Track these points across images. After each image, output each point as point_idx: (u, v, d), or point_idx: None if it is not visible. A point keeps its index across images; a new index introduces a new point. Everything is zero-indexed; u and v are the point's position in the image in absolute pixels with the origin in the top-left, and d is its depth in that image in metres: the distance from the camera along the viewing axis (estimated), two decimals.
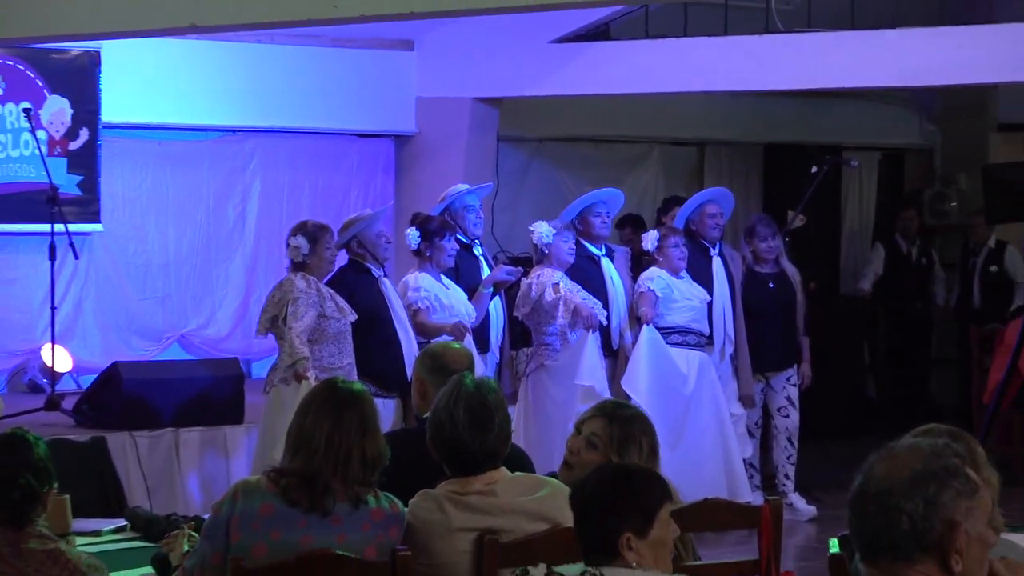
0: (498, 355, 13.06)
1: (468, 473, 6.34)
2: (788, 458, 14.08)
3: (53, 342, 13.47)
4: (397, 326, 11.96)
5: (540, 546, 5.84)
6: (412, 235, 12.65)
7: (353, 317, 11.57)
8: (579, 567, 5.16)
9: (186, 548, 6.55)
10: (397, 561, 5.92)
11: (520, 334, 13.30)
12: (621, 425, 6.57)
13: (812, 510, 13.80)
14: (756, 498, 11.66)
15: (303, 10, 10.00)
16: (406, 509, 6.26)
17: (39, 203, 13.29)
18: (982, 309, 17.44)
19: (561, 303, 12.74)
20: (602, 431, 6.51)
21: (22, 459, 5.86)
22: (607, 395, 12.31)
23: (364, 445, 6.04)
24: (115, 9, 10.61)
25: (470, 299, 12.61)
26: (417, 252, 12.61)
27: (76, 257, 13.53)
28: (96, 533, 7.41)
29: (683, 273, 13.33)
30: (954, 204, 18.78)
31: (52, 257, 12.97)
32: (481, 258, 13.19)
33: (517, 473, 6.55)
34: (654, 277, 13.28)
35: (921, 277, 18.61)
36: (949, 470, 4.01)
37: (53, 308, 13.24)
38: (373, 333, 11.80)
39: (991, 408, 12.09)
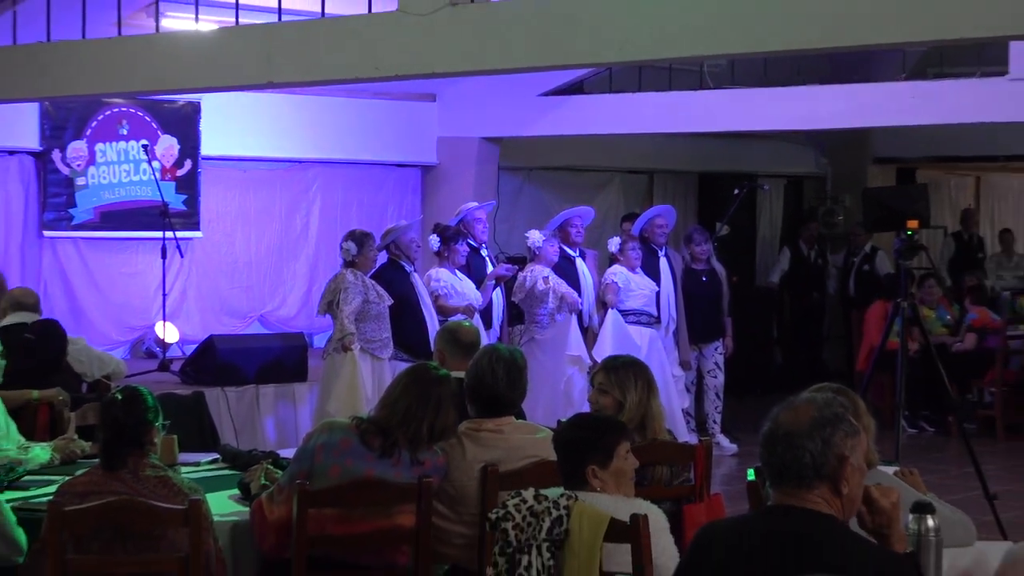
0: (498, 331, 13.05)
1: (491, 415, 6.39)
2: (715, 408, 14.11)
3: (164, 320, 13.49)
4: (423, 308, 11.99)
5: (530, 475, 5.81)
6: (434, 240, 12.72)
7: (390, 302, 11.60)
8: (559, 491, 5.16)
9: (263, 481, 6.54)
10: (422, 486, 5.91)
11: (515, 314, 13.29)
12: (616, 371, 6.67)
13: (734, 447, 13.82)
14: (692, 438, 11.59)
15: (352, 70, 9.97)
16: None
17: (154, 216, 13.26)
18: (858, 297, 17.43)
19: (551, 292, 12.80)
20: (604, 379, 6.64)
21: (138, 406, 5.85)
22: (588, 362, 12.45)
23: (435, 419, 6.06)
24: (210, 70, 10.57)
25: (478, 288, 12.64)
26: (438, 253, 12.65)
27: (181, 256, 13.53)
28: (196, 464, 7.38)
29: (638, 269, 13.35)
30: (841, 218, 18.74)
31: (163, 256, 12.98)
32: (486, 258, 13.18)
33: (521, 420, 6.58)
34: (616, 272, 13.32)
35: (816, 273, 18.57)
36: (838, 417, 4.04)
37: (164, 295, 13.27)
38: (405, 314, 11.81)
39: (867, 372, 12.10)
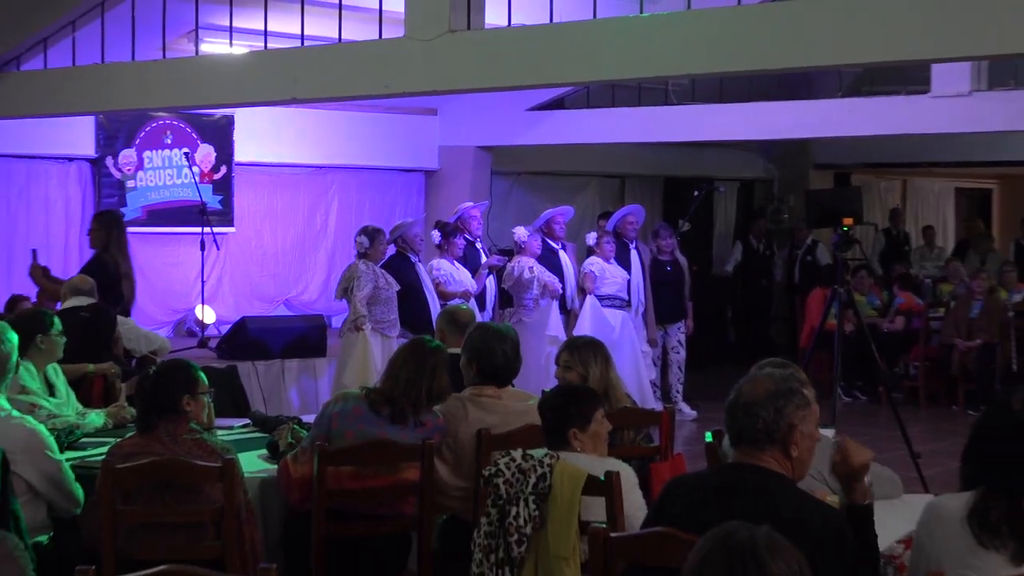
0: (491, 313, 13.06)
1: (492, 383, 6.42)
2: (678, 379, 14.11)
3: (203, 303, 13.48)
4: (426, 294, 12.01)
5: (519, 437, 5.81)
6: (435, 235, 12.81)
7: (397, 288, 11.62)
8: (543, 451, 5.16)
9: (289, 439, 6.54)
10: (425, 446, 5.90)
11: (505, 299, 13.29)
12: (579, 350, 6.66)
13: (694, 413, 13.80)
14: (657, 405, 11.58)
15: (365, 88, 9.95)
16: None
17: (193, 213, 13.24)
18: (801, 284, 17.43)
19: (536, 280, 12.82)
20: (568, 357, 6.62)
21: (183, 377, 5.84)
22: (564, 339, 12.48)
23: (431, 384, 6.11)
24: (242, 88, 10.54)
25: (473, 276, 12.66)
26: (439, 246, 12.69)
27: (217, 248, 13.50)
28: (229, 428, 7.39)
29: (612, 260, 13.35)
30: (786, 216, 18.74)
31: (202, 248, 12.95)
32: (480, 250, 13.18)
33: (516, 389, 6.59)
34: (594, 263, 13.33)
35: (764, 264, 18.56)
36: (792, 391, 4.07)
37: (203, 281, 13.25)
38: (410, 298, 11.81)
39: (809, 348, 12.11)
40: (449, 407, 6.33)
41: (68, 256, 13.34)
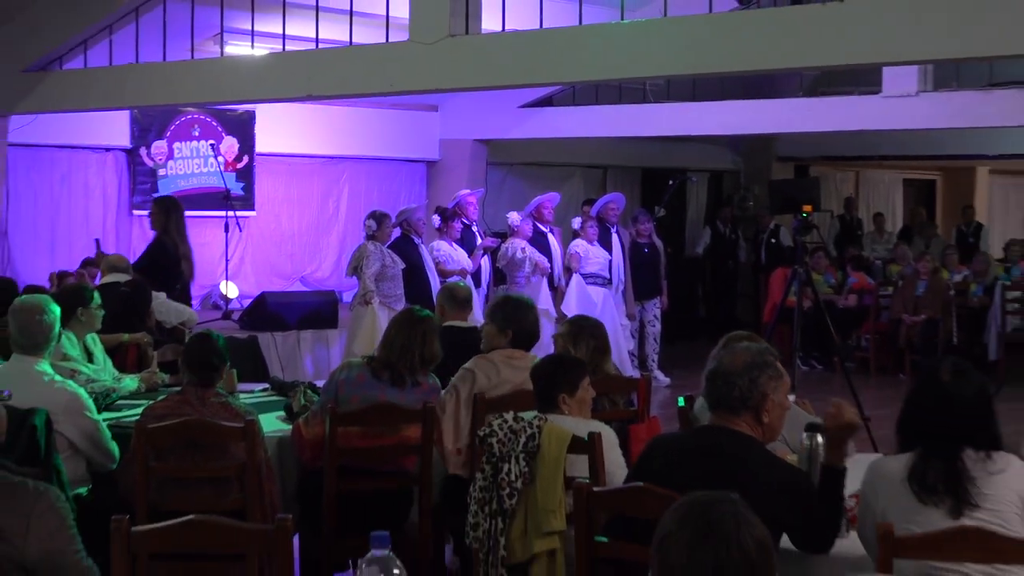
0: (486, 289, 13.08)
1: (522, 347, 6.46)
2: (654, 350, 14.12)
3: (227, 279, 13.47)
4: (428, 271, 12.02)
5: (511, 402, 5.79)
6: (436, 219, 12.83)
7: (402, 266, 11.63)
8: (532, 413, 5.16)
9: (302, 401, 6.54)
10: (426, 409, 5.89)
11: (498, 277, 13.30)
12: (575, 329, 6.58)
13: (667, 380, 13.80)
14: (635, 373, 11.61)
15: (373, 86, 9.94)
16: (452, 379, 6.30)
17: (218, 199, 13.21)
18: (764, 265, 17.43)
19: (527, 259, 12.82)
20: (565, 332, 6.54)
21: (210, 347, 5.83)
22: (555, 314, 12.50)
23: (423, 349, 6.08)
24: (262, 85, 10.51)
25: (470, 256, 12.66)
26: (439, 229, 12.71)
27: (240, 230, 13.49)
28: (251, 392, 7.37)
29: (595, 243, 13.36)
30: (751, 203, 18.70)
31: (226, 230, 12.94)
32: (476, 233, 13.16)
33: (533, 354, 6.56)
34: (579, 245, 13.34)
35: (731, 246, 18.56)
36: (766, 363, 4.08)
37: (227, 260, 13.22)
38: (414, 275, 11.82)
39: (771, 322, 12.12)
40: (483, 366, 6.30)
41: (106, 237, 13.31)
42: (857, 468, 4.28)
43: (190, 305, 10.66)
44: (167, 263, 10.10)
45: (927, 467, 3.92)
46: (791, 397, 4.48)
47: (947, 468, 3.89)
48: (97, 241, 11.90)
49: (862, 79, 14.13)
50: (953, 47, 7.49)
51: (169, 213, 10.41)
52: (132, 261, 10.38)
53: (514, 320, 6.47)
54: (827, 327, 11.38)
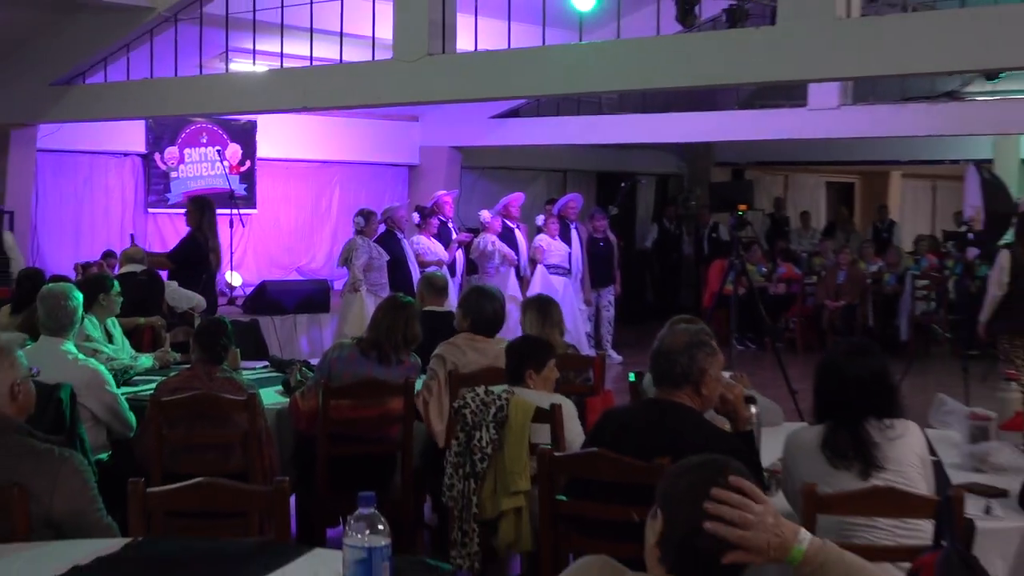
0: (460, 278, 13.08)
1: (483, 334, 6.36)
2: (608, 332, 14.14)
3: (231, 269, 13.41)
4: (409, 262, 12.02)
5: (482, 377, 5.79)
6: (416, 216, 12.85)
7: (387, 258, 11.65)
8: (502, 387, 5.16)
9: (299, 377, 6.52)
10: (407, 383, 5.89)
11: (471, 267, 13.30)
12: (540, 306, 6.61)
13: (620, 358, 13.82)
14: (592, 352, 11.61)
15: (362, 99, 9.93)
16: (432, 356, 6.28)
17: (224, 198, 13.10)
18: (706, 257, 17.47)
19: (496, 252, 12.84)
20: (529, 310, 6.59)
21: (219, 329, 5.83)
22: (521, 300, 12.49)
23: (406, 331, 6.05)
24: (263, 98, 10.48)
25: (446, 249, 12.66)
26: (418, 225, 12.72)
27: (243, 226, 13.45)
28: (252, 369, 7.35)
29: (556, 237, 13.37)
30: (694, 203, 18.66)
31: (231, 226, 12.88)
32: (452, 228, 13.16)
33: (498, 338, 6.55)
34: (542, 239, 13.34)
35: (676, 241, 18.61)
36: (703, 342, 4.08)
37: (231, 252, 13.16)
38: (397, 266, 11.82)
39: (710, 307, 12.16)
40: (449, 351, 6.26)
41: (124, 232, 13.28)
42: (786, 435, 4.30)
43: (216, 291, 10.68)
44: (196, 256, 10.11)
45: (836, 436, 3.95)
46: (727, 373, 4.50)
47: (853, 436, 3.93)
48: (132, 236, 12.04)
49: (790, 94, 14.17)
50: (869, 66, 7.53)
51: (203, 212, 10.38)
52: (156, 252, 10.47)
53: (474, 309, 6.45)
54: (759, 311, 11.42)
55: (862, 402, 3.97)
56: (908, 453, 3.95)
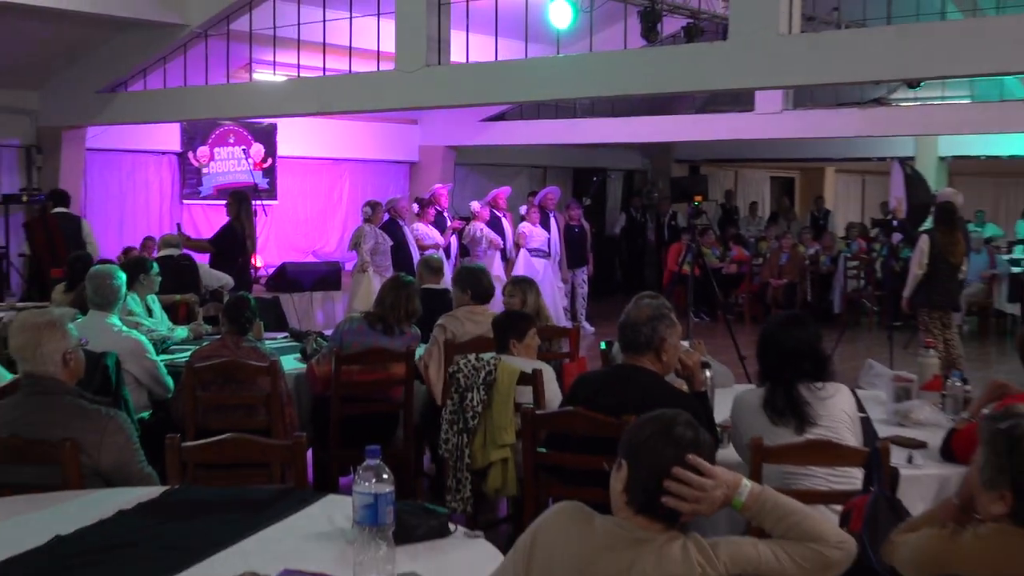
0: (454, 260, 13.04)
1: (479, 303, 6.35)
2: (582, 307, 14.10)
3: (256, 253, 13.37)
4: (410, 247, 11.97)
5: (474, 345, 5.78)
6: (415, 207, 12.79)
7: (391, 243, 11.62)
8: (490, 354, 5.15)
9: (314, 346, 6.50)
10: (409, 352, 5.88)
11: (463, 251, 13.28)
12: (519, 284, 6.61)
13: (592, 329, 13.79)
14: (568, 324, 11.61)
15: (368, 104, 9.90)
16: (432, 332, 6.23)
17: (249, 191, 12.99)
18: (667, 241, 17.46)
19: (485, 238, 12.80)
20: (513, 289, 6.53)
21: (245, 304, 5.80)
22: (505, 280, 12.47)
23: (408, 306, 6.01)
24: (282, 104, 10.45)
25: (441, 235, 12.62)
26: (417, 214, 12.65)
27: (266, 215, 13.38)
28: (274, 339, 7.32)
29: (537, 224, 13.33)
30: (656, 195, 18.65)
31: (255, 215, 12.74)
32: (447, 217, 13.11)
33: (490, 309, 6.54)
34: (525, 226, 13.29)
35: (641, 227, 18.61)
36: (663, 315, 4.08)
37: (256, 238, 13.10)
38: (399, 250, 11.78)
39: (670, 285, 12.17)
40: (450, 321, 6.23)
41: (161, 221, 13.28)
42: (735, 395, 4.30)
43: (250, 272, 10.63)
44: (233, 242, 10.09)
45: (775, 397, 3.95)
46: (685, 342, 4.50)
47: (789, 397, 3.93)
48: (179, 225, 12.06)
49: (739, 100, 14.16)
50: (808, 76, 7.53)
51: (241, 204, 10.35)
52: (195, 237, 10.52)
53: (472, 283, 6.45)
54: (712, 288, 11.43)
55: (795, 368, 3.96)
56: (838, 411, 3.95)
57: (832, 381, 4.02)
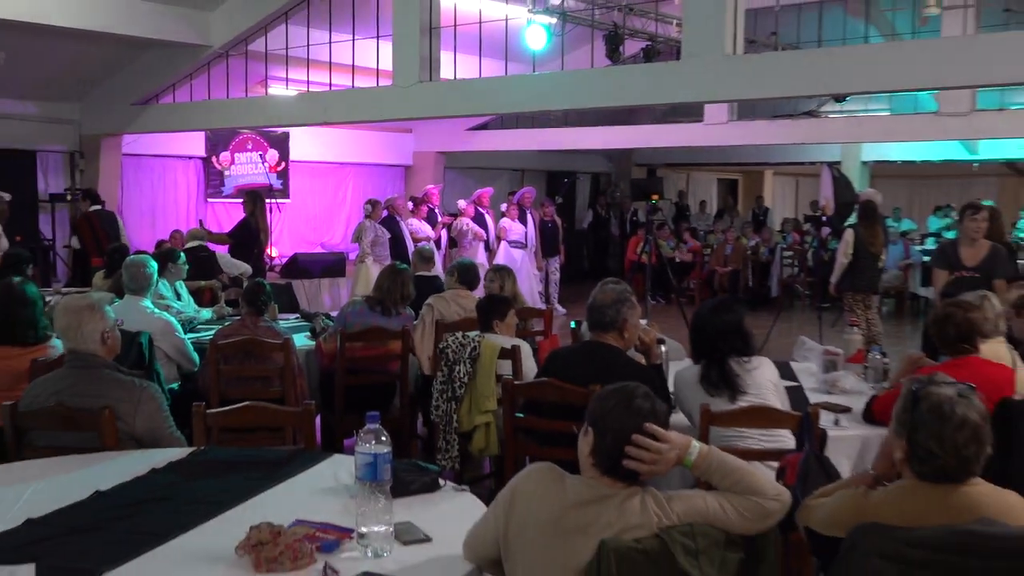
0: (444, 251, 13.01)
1: (467, 288, 6.32)
2: (555, 291, 14.06)
3: (271, 244, 13.33)
4: (405, 239, 11.91)
5: (461, 325, 5.77)
6: (410, 204, 12.70)
7: (388, 236, 11.55)
8: (475, 333, 5.15)
9: (322, 325, 6.48)
10: (404, 330, 5.86)
11: (452, 243, 13.25)
12: (498, 271, 6.57)
13: (563, 311, 13.72)
14: (543, 306, 11.60)
15: (368, 115, 9.84)
16: (421, 311, 6.21)
17: (265, 191, 12.90)
18: (627, 235, 17.49)
19: (470, 231, 12.75)
20: (493, 276, 6.48)
21: (261, 289, 5.78)
22: (487, 267, 12.49)
23: (403, 290, 6.00)
24: (294, 114, 10.39)
25: (433, 228, 12.56)
26: (412, 211, 12.56)
27: (280, 212, 13.33)
28: (287, 319, 7.28)
29: (516, 220, 13.28)
30: (618, 194, 18.72)
31: (270, 212, 12.68)
32: (437, 213, 13.05)
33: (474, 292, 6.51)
34: (506, 221, 13.24)
35: (606, 223, 18.63)
36: (626, 298, 4.08)
37: (271, 231, 13.06)
38: (396, 242, 11.71)
39: (630, 272, 12.18)
40: (438, 302, 6.21)
41: (188, 217, 13.19)
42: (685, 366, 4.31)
43: (264, 261, 10.55)
44: (248, 235, 10.03)
45: (709, 372, 3.96)
46: (644, 321, 4.50)
47: (720, 371, 3.93)
48: (201, 221, 12.00)
49: (691, 112, 14.16)
50: (750, 91, 7.54)
51: (255, 202, 10.29)
52: (217, 231, 10.46)
53: (462, 272, 6.44)
54: (667, 275, 11.47)
55: (726, 346, 3.96)
56: (763, 380, 3.97)
57: (756, 356, 4.03)
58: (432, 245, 11.74)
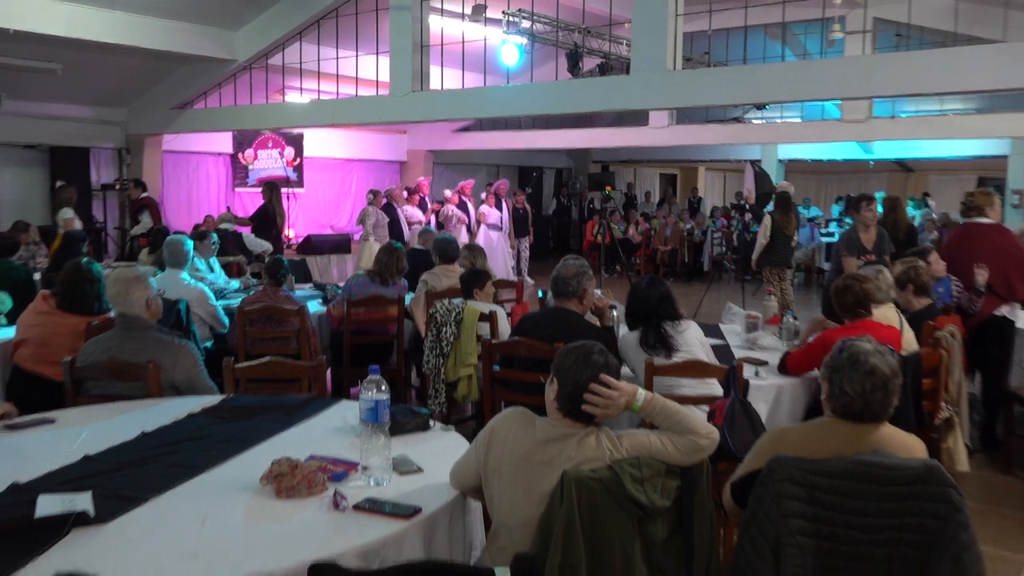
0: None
1: (450, 263, 6.24)
2: (525, 266, 14.06)
3: (288, 227, 13.19)
4: (401, 223, 11.86)
5: (447, 293, 5.74)
6: (404, 193, 12.62)
7: (387, 220, 11.50)
8: (460, 300, 5.12)
9: (332, 293, 6.43)
10: (400, 298, 5.83)
11: (439, 227, 13.17)
12: (471, 249, 6.49)
13: (532, 282, 13.67)
14: (514, 279, 11.58)
15: (369, 119, 9.73)
16: (420, 279, 6.15)
17: (283, 182, 12.85)
18: (585, 219, 17.46)
19: (454, 216, 12.69)
20: (467, 254, 6.41)
21: (280, 263, 5.72)
22: None
23: (398, 263, 5.95)
24: (307, 118, 10.26)
25: (424, 214, 12.51)
26: (407, 199, 12.52)
27: (295, 200, 13.21)
28: (302, 289, 7.23)
29: (493, 207, 13.24)
30: (578, 186, 18.51)
31: (287, 199, 12.65)
32: (427, 201, 13.00)
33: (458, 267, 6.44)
34: (485, 208, 13.21)
35: (567, 209, 18.62)
36: (584, 271, 4.07)
37: (288, 216, 12.92)
38: (394, 225, 11.66)
39: (588, 250, 12.16)
40: (431, 277, 6.16)
41: (220, 204, 13.01)
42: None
43: (281, 240, 10.42)
44: (266, 220, 9.95)
45: (646, 335, 3.95)
46: (599, 291, 4.49)
47: (656, 334, 3.93)
48: (228, 207, 11.93)
49: (638, 117, 14.13)
50: (686, 100, 7.52)
51: (272, 191, 10.20)
52: (242, 215, 10.34)
53: (440, 249, 6.38)
54: (618, 253, 11.46)
55: (658, 312, 3.96)
56: (692, 339, 3.97)
57: (684, 319, 4.03)
58: (430, 227, 11.70)
